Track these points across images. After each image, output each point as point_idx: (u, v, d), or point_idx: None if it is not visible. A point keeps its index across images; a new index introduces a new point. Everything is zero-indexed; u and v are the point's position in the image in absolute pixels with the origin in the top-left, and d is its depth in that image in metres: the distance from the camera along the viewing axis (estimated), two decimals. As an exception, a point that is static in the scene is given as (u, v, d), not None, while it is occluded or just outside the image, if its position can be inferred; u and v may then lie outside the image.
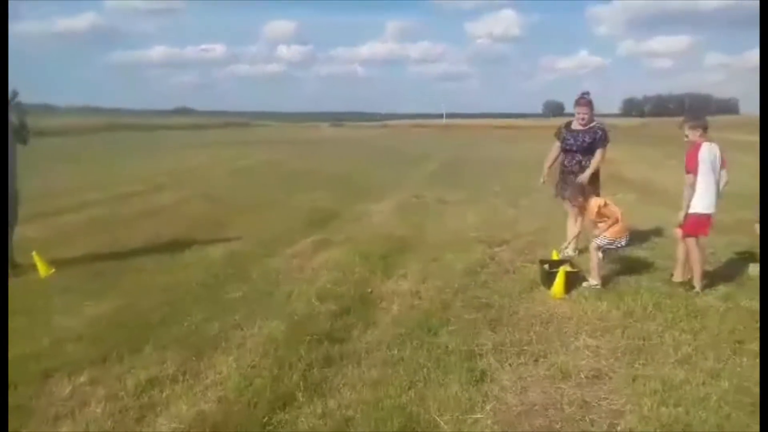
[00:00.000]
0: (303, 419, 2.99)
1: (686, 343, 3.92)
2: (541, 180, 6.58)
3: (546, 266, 5.32)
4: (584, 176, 6.09)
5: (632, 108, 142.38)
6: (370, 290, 5.12)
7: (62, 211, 9.01)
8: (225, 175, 15.42)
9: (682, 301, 4.71)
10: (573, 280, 5.08)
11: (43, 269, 5.56)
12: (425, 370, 3.52)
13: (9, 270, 5.38)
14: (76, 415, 3.03)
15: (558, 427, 2.97)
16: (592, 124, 6.20)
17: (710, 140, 5.01)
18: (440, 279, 5.41)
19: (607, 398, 3.24)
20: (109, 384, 3.34)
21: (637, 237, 6.63)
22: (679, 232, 5.15)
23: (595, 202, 5.22)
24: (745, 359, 3.68)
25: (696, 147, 4.94)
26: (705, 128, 5.04)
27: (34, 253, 5.62)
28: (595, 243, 5.17)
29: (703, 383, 3.35)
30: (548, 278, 5.11)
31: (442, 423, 2.96)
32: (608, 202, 5.30)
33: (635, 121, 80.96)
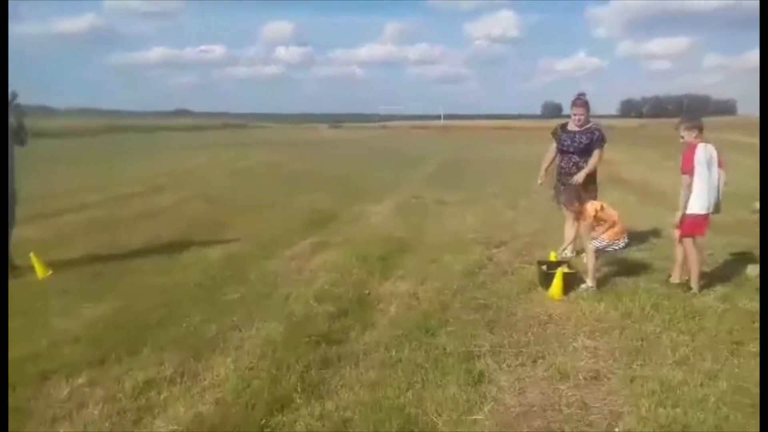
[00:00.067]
0: (301, 421, 2.98)
1: (684, 344, 3.93)
2: (539, 181, 6.59)
3: (544, 267, 5.32)
4: (579, 176, 6.09)
5: (630, 109, 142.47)
6: (368, 292, 5.12)
7: (61, 213, 9.00)
8: (224, 176, 15.42)
9: (680, 302, 4.72)
10: (571, 282, 5.08)
11: (40, 271, 5.55)
12: (423, 371, 3.52)
13: (8, 271, 5.37)
14: (73, 416, 3.03)
15: (556, 428, 2.97)
16: (588, 125, 6.20)
17: (706, 141, 5.02)
18: (438, 280, 5.41)
19: (606, 399, 3.24)
20: (106, 386, 3.34)
21: (634, 238, 6.63)
22: (676, 232, 5.16)
23: (591, 207, 5.21)
24: (743, 360, 3.68)
25: (692, 148, 4.95)
26: (700, 129, 5.05)
27: (31, 254, 5.62)
28: (592, 245, 5.17)
29: (701, 384, 3.36)
30: (546, 279, 5.11)
31: (440, 424, 2.96)
32: (605, 205, 5.29)
33: (633, 122, 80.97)
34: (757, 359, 3.64)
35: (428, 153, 24.16)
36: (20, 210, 5.89)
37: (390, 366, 3.61)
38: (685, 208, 4.95)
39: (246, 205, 10.18)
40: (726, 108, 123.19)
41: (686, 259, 5.11)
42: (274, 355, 3.74)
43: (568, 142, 6.21)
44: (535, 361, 3.72)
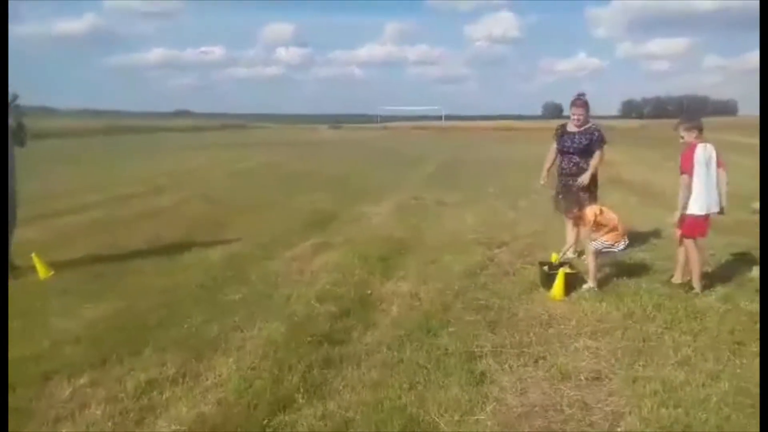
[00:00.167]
0: (303, 421, 2.99)
1: (686, 344, 3.93)
2: (541, 182, 6.58)
3: (545, 268, 5.32)
4: (584, 178, 6.09)
5: (631, 110, 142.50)
6: (369, 292, 5.12)
7: (61, 213, 9.01)
8: (224, 176, 15.42)
9: (682, 302, 4.72)
10: (572, 282, 5.08)
11: (42, 271, 5.55)
12: (425, 371, 3.52)
13: (8, 272, 5.37)
14: (75, 417, 3.03)
15: (558, 428, 2.97)
16: (587, 126, 6.20)
17: (705, 141, 5.02)
18: (440, 281, 5.41)
19: (607, 400, 3.24)
20: (108, 386, 3.34)
21: (636, 239, 6.64)
22: (678, 233, 5.17)
23: (591, 212, 5.21)
24: (744, 360, 3.68)
25: (691, 148, 4.96)
26: (700, 129, 5.06)
27: (33, 254, 5.62)
28: (592, 246, 5.17)
29: (703, 384, 3.36)
30: (548, 280, 5.11)
31: (442, 424, 2.96)
32: (604, 209, 5.28)
33: (634, 122, 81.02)
34: (759, 359, 3.64)
35: (428, 153, 24.17)
36: (21, 211, 5.89)
37: (392, 366, 3.61)
38: (685, 208, 4.96)
39: (246, 205, 10.19)
40: (726, 108, 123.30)
41: (688, 259, 5.11)
42: (276, 355, 3.74)
43: (568, 143, 6.21)
44: (536, 362, 3.72)
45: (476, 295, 5.02)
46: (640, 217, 7.94)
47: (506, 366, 3.64)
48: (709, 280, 5.22)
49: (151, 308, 4.67)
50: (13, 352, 3.63)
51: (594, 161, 6.16)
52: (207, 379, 3.44)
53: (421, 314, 4.54)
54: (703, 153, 4.92)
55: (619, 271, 5.54)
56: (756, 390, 3.22)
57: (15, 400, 3.13)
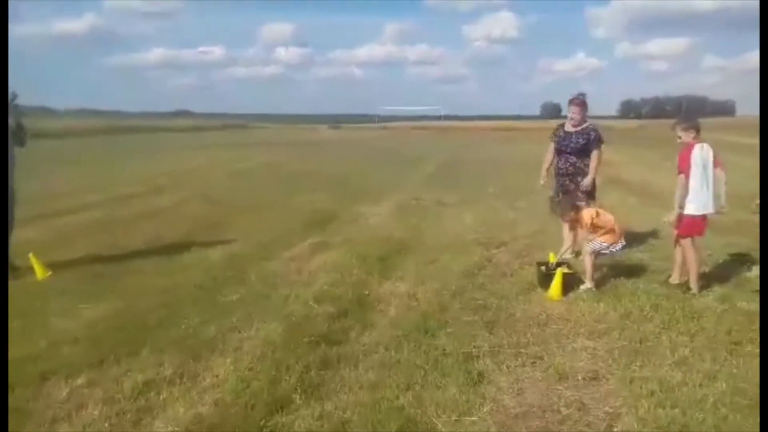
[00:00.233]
0: (300, 421, 2.99)
1: (683, 344, 3.93)
2: (541, 182, 6.58)
3: (543, 268, 5.33)
4: (587, 181, 6.11)
5: (630, 110, 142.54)
6: (367, 292, 5.12)
7: (61, 213, 9.01)
8: (224, 176, 15.42)
9: (679, 302, 4.72)
10: (570, 283, 5.09)
11: (39, 271, 5.56)
12: (423, 372, 3.52)
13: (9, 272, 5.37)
14: (73, 417, 3.03)
15: (555, 428, 2.98)
16: (584, 125, 6.20)
17: (703, 142, 5.03)
18: (438, 281, 5.41)
19: (604, 400, 3.24)
20: (106, 386, 3.34)
21: (634, 239, 6.64)
22: (675, 232, 5.17)
23: (587, 214, 5.21)
24: (741, 360, 3.68)
25: (689, 148, 4.96)
26: (697, 130, 5.06)
27: (30, 255, 5.62)
28: (589, 247, 5.18)
29: (700, 385, 3.36)
30: (545, 280, 5.12)
31: (439, 425, 2.97)
32: (600, 211, 5.28)
33: (632, 123, 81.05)
34: (756, 360, 3.64)
35: (428, 154, 24.17)
36: (20, 211, 5.90)
37: (389, 367, 3.61)
38: (681, 207, 4.97)
39: (246, 205, 10.19)
40: (724, 109, 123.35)
41: (685, 259, 5.12)
42: (273, 355, 3.74)
43: (565, 143, 6.22)
44: (534, 362, 3.72)
45: (474, 295, 5.03)
46: (639, 217, 7.95)
47: (504, 366, 3.65)
48: (707, 280, 5.22)
49: (150, 309, 4.67)
50: (11, 352, 3.63)
51: (593, 162, 6.16)
52: (204, 380, 3.44)
53: (419, 315, 4.54)
54: (701, 153, 4.93)
55: (617, 271, 5.55)
56: (753, 390, 3.23)
57: (13, 400, 3.13)
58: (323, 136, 50.32)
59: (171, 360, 3.67)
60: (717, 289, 5.07)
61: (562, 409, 3.15)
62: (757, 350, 3.74)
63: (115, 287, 5.27)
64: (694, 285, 5.01)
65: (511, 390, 3.35)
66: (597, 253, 5.18)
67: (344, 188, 12.49)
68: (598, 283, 5.19)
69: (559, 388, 3.38)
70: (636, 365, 3.65)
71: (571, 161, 6.21)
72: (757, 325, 4.16)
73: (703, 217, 4.97)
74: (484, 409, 3.13)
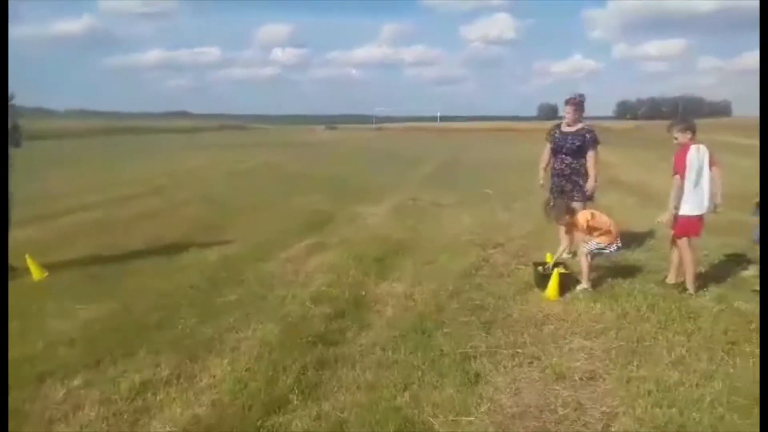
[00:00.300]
0: (297, 422, 2.99)
1: (680, 344, 3.94)
2: (540, 182, 6.58)
3: (540, 269, 5.33)
4: (590, 185, 6.11)
5: (626, 111, 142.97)
6: (364, 293, 5.12)
7: (58, 214, 8.99)
8: (221, 177, 15.42)
9: (676, 302, 4.73)
10: (567, 283, 5.09)
11: (36, 272, 5.54)
12: (420, 372, 3.52)
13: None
14: (70, 418, 3.02)
15: (552, 428, 2.98)
16: (580, 126, 6.20)
17: (699, 143, 5.04)
18: (434, 281, 5.42)
19: (601, 400, 3.25)
20: (103, 387, 3.33)
21: (631, 239, 6.66)
22: (672, 233, 5.18)
23: (582, 217, 5.22)
24: (738, 360, 3.69)
25: (684, 149, 4.97)
26: (693, 131, 5.07)
27: (27, 256, 5.61)
28: (585, 248, 5.19)
29: (697, 384, 3.37)
30: (542, 280, 5.12)
31: (436, 425, 2.97)
32: (596, 213, 5.28)
33: (629, 123, 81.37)
34: (752, 359, 3.66)
35: (425, 154, 24.20)
36: (17, 211, 5.87)
37: (386, 367, 3.61)
38: (676, 208, 4.98)
39: (243, 206, 10.19)
40: (721, 109, 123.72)
41: (681, 260, 5.13)
42: (270, 356, 3.73)
43: (561, 143, 6.22)
44: (531, 362, 3.72)
45: (471, 295, 5.03)
46: (636, 217, 7.96)
47: (501, 366, 3.65)
48: (703, 280, 5.24)
49: (147, 309, 4.66)
50: (8, 353, 3.62)
51: (591, 164, 6.15)
52: (201, 381, 3.44)
53: (416, 315, 4.54)
54: (697, 154, 4.94)
55: (614, 271, 5.56)
56: (750, 389, 3.24)
57: (9, 401, 3.12)
58: (320, 137, 50.34)
59: (168, 361, 3.67)
60: (713, 289, 5.08)
61: (559, 409, 3.15)
62: (754, 350, 3.76)
63: (111, 288, 5.25)
64: (690, 285, 5.02)
65: (508, 390, 3.35)
66: (593, 254, 5.19)
67: (341, 189, 12.49)
68: (595, 284, 5.20)
69: (556, 388, 3.39)
70: (633, 365, 3.66)
71: (566, 162, 6.21)
72: (753, 325, 4.18)
73: (699, 217, 4.98)
74: (481, 409, 3.13)
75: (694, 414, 3.04)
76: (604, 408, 3.16)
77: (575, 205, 5.91)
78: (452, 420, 3.01)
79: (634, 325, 4.29)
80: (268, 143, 34.90)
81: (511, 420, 3.05)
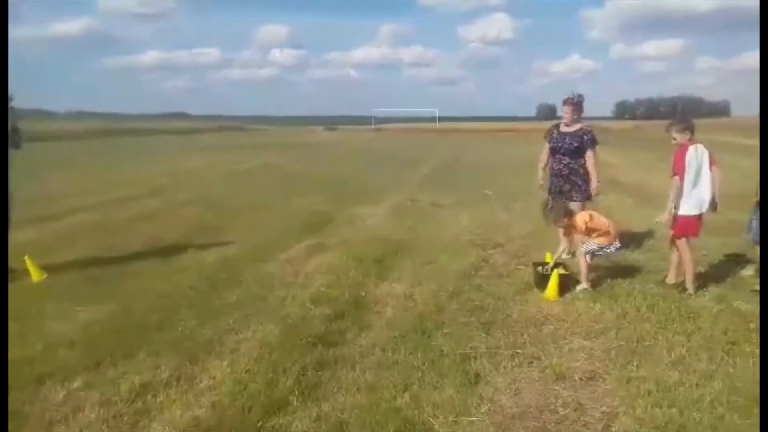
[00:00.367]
0: (297, 423, 2.99)
1: (680, 344, 3.94)
2: (540, 182, 6.58)
3: (540, 269, 5.33)
4: (593, 186, 6.12)
5: (625, 111, 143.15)
6: (363, 294, 5.12)
7: (57, 216, 8.97)
8: (220, 179, 15.41)
9: (676, 302, 4.73)
10: (566, 283, 5.09)
11: (35, 274, 5.54)
12: (420, 373, 3.52)
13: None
14: (69, 420, 3.02)
15: (552, 428, 2.98)
16: (577, 127, 6.20)
17: (697, 142, 5.04)
18: (434, 282, 5.42)
19: (601, 400, 3.25)
20: (102, 389, 3.33)
21: (630, 239, 6.66)
22: (671, 233, 5.19)
23: (581, 219, 5.22)
24: (738, 360, 3.70)
25: (683, 150, 4.97)
26: (692, 131, 5.08)
27: (26, 257, 5.60)
28: (584, 248, 5.19)
29: (697, 384, 3.37)
30: (542, 281, 5.12)
31: (436, 425, 2.97)
32: (594, 214, 5.28)
33: (628, 124, 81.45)
34: (752, 359, 3.66)
35: (424, 155, 24.20)
36: (17, 213, 5.87)
37: (386, 368, 3.61)
38: (676, 208, 4.98)
39: (242, 207, 10.18)
40: (719, 109, 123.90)
41: (681, 260, 5.13)
42: (270, 357, 3.73)
43: (559, 143, 6.22)
44: (531, 363, 3.73)
45: (471, 296, 5.03)
46: (635, 218, 7.97)
47: (501, 367, 3.65)
48: (703, 280, 5.24)
49: (146, 311, 4.66)
50: (8, 354, 3.62)
51: (590, 164, 6.14)
52: (201, 382, 3.44)
53: (416, 316, 4.54)
54: (695, 154, 4.94)
55: (613, 271, 5.56)
56: (750, 389, 3.24)
57: (9, 403, 3.11)
58: (320, 138, 50.32)
59: (168, 362, 3.67)
60: (713, 289, 5.08)
61: (559, 409, 3.15)
62: (754, 349, 3.76)
63: (111, 290, 5.25)
64: (690, 285, 5.03)
65: (508, 390, 3.36)
66: (592, 254, 5.19)
67: (340, 190, 12.49)
68: (595, 284, 5.20)
69: (556, 388, 3.39)
70: (633, 365, 3.66)
71: (564, 162, 6.21)
72: (753, 325, 4.18)
73: (698, 217, 4.98)
74: (482, 410, 3.13)
75: (694, 414, 3.05)
76: (604, 408, 3.16)
77: (573, 205, 5.91)
78: (452, 420, 3.01)
79: (633, 325, 4.30)
80: (266, 144, 34.87)
81: (512, 420, 3.05)
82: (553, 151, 6.30)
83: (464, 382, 3.42)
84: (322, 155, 26.20)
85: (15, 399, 3.19)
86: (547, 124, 7.33)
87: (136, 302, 4.87)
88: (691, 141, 5.01)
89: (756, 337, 3.94)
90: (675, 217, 5.03)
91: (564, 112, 6.25)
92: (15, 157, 5.64)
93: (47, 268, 5.67)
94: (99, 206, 10.16)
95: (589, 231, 5.16)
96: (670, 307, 4.62)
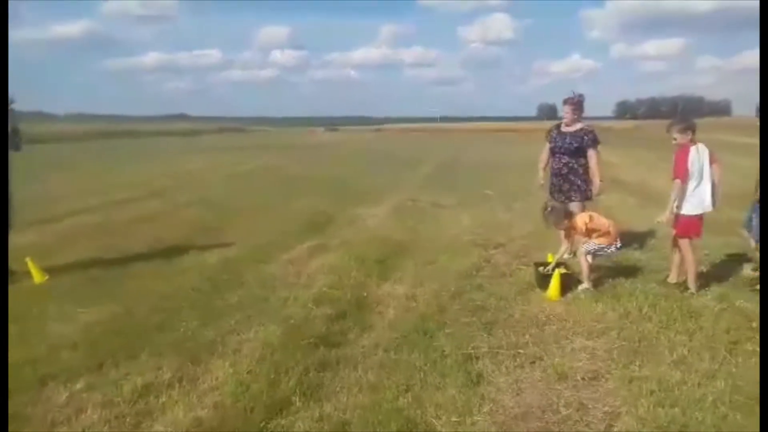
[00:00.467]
0: (300, 423, 2.99)
1: (682, 344, 3.94)
2: (540, 182, 6.57)
3: (541, 269, 5.33)
4: (596, 187, 6.11)
5: (625, 110, 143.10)
6: (365, 294, 5.12)
7: (58, 218, 8.98)
8: (221, 180, 15.42)
9: (678, 302, 4.73)
10: (568, 283, 5.09)
11: (37, 276, 5.54)
12: (422, 373, 3.52)
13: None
14: (72, 421, 3.02)
15: (555, 428, 2.98)
16: (578, 126, 6.19)
17: (698, 142, 5.03)
18: (436, 282, 5.42)
19: (604, 400, 3.24)
20: (105, 390, 3.33)
21: (632, 239, 6.66)
22: (673, 232, 5.19)
23: (580, 221, 5.22)
24: (740, 359, 3.69)
25: (684, 150, 4.95)
26: (693, 131, 5.06)
27: (28, 259, 5.61)
28: (584, 248, 5.19)
29: (699, 384, 3.36)
30: (544, 281, 5.12)
31: (438, 426, 2.97)
32: (594, 215, 5.28)
33: (629, 123, 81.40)
34: (754, 358, 3.65)
35: (425, 155, 24.20)
36: (17, 215, 5.87)
37: (388, 368, 3.61)
38: (678, 208, 4.97)
39: (244, 208, 10.18)
40: (720, 109, 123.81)
41: (683, 259, 5.13)
42: (272, 358, 3.73)
43: (559, 143, 6.21)
44: (533, 363, 3.72)
45: (472, 296, 5.03)
46: (637, 217, 7.97)
47: (503, 367, 3.65)
48: (705, 279, 5.24)
49: (148, 312, 4.66)
50: (10, 356, 3.61)
51: (592, 163, 6.13)
52: (203, 383, 3.44)
53: (418, 316, 4.54)
54: (697, 156, 4.92)
55: (615, 271, 5.56)
56: (752, 388, 3.23)
57: (12, 405, 3.12)
58: (321, 138, 50.34)
59: (170, 363, 3.67)
60: (715, 289, 5.08)
61: (561, 409, 3.15)
62: (756, 348, 3.75)
63: (113, 291, 5.25)
64: (692, 284, 5.02)
65: (510, 390, 3.35)
66: (593, 254, 5.19)
67: (342, 191, 12.50)
68: (597, 284, 5.19)
69: (559, 388, 3.38)
70: (635, 365, 3.65)
71: (564, 161, 6.20)
72: (755, 324, 4.17)
73: (700, 216, 4.97)
74: (484, 410, 3.13)
75: (696, 413, 3.04)
76: (606, 408, 3.16)
77: (573, 205, 5.91)
78: (455, 421, 3.01)
79: (635, 325, 4.29)
80: (267, 145, 34.90)
81: (514, 420, 3.05)
82: (553, 151, 6.29)
83: (466, 382, 3.41)
84: (323, 156, 26.22)
85: (18, 401, 3.19)
86: (548, 124, 7.32)
87: (138, 303, 4.88)
88: (692, 141, 5.00)
89: (758, 336, 3.93)
90: (677, 217, 5.02)
91: (564, 112, 6.25)
92: (15, 159, 5.65)
93: (49, 270, 5.67)
94: (100, 208, 10.17)
95: (589, 232, 5.16)
96: (672, 306, 4.62)
